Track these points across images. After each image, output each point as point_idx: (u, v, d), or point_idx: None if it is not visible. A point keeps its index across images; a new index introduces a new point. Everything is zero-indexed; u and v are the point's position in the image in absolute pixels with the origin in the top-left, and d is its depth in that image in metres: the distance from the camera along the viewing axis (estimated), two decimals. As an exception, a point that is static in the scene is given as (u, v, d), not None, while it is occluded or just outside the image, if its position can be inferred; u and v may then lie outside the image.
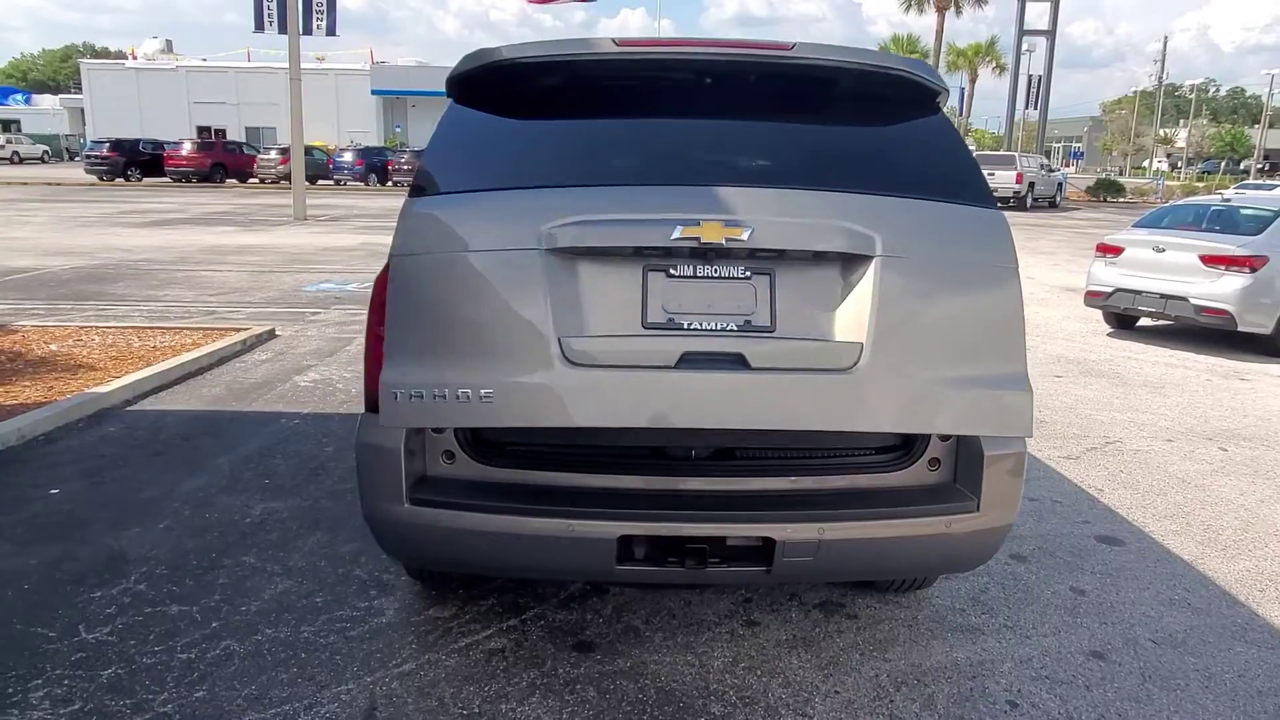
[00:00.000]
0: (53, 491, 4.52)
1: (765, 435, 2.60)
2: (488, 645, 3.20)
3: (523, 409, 2.43)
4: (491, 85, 2.79)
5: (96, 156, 36.19)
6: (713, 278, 2.45)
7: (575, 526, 2.51)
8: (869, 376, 2.45)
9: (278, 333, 8.64)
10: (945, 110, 2.91)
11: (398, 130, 53.93)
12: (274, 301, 10.43)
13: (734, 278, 2.45)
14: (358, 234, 18.53)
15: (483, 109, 2.79)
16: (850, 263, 2.49)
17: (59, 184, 34.30)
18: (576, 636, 3.27)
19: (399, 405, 2.49)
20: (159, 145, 37.25)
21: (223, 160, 36.47)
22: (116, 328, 8.50)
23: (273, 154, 36.45)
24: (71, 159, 53.06)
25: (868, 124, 2.87)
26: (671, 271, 2.45)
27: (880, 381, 2.46)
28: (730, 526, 2.54)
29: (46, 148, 54.26)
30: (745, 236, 2.41)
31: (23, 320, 8.75)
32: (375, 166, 37.30)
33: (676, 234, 2.39)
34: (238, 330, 8.39)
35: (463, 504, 2.55)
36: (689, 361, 2.41)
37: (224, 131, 50.07)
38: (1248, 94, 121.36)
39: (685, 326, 2.43)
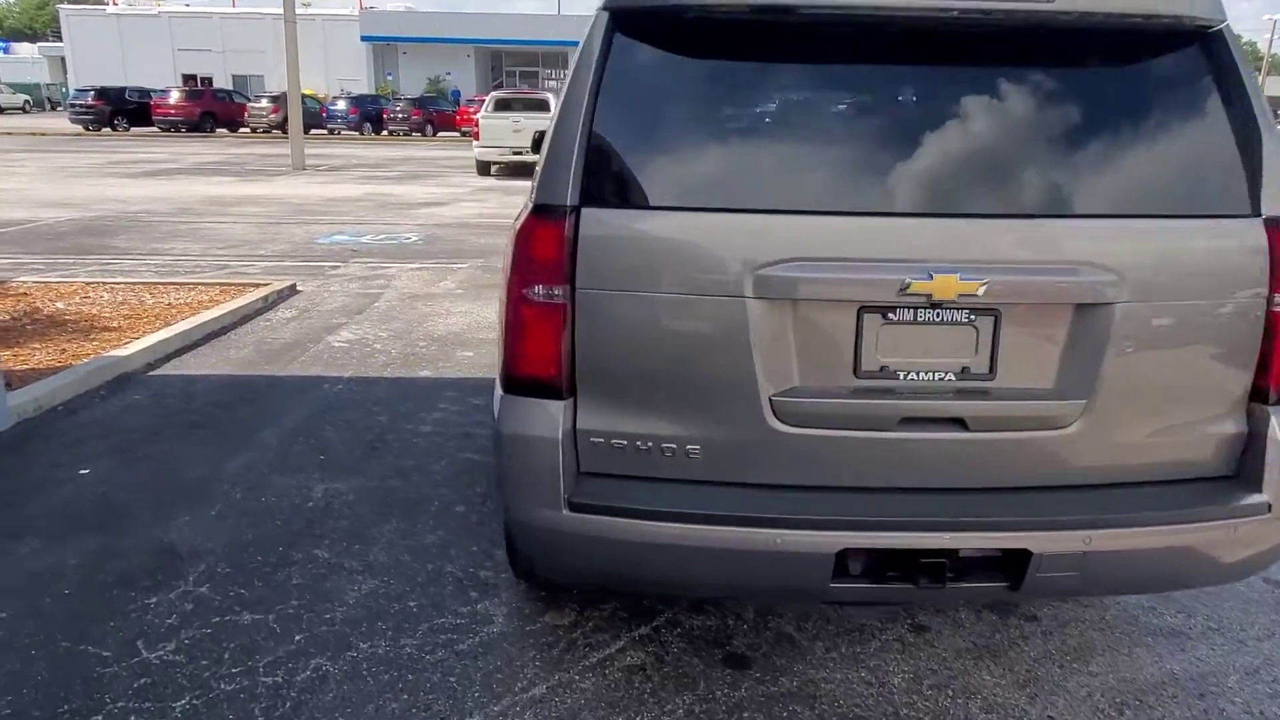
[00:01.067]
0: (82, 472, 3.99)
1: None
2: (624, 661, 2.71)
3: (731, 468, 2.14)
4: (665, 29, 2.14)
5: (81, 105, 34.98)
6: (933, 323, 2.09)
7: (784, 539, 2.03)
8: (1088, 436, 2.15)
9: (299, 288, 8.07)
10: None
11: (389, 78, 52.49)
12: (288, 255, 9.82)
13: (956, 322, 2.09)
14: (361, 184, 17.81)
15: (658, 52, 2.14)
16: (1086, 307, 2.10)
17: (43, 134, 33.18)
18: (724, 648, 2.79)
19: (598, 453, 2.14)
20: (145, 94, 36.02)
21: (212, 109, 35.32)
22: (125, 283, 7.91)
23: (264, 102, 35.27)
24: (54, 109, 51.59)
25: (1126, 104, 2.19)
26: (889, 315, 2.08)
27: (1099, 440, 2.17)
28: (978, 536, 2.06)
29: (27, 98, 52.69)
30: (980, 292, 2.03)
31: (23, 276, 8.15)
32: (370, 115, 36.20)
33: (907, 289, 2.03)
34: (257, 285, 7.81)
35: (639, 511, 2.06)
36: (905, 423, 2.11)
37: (210, 80, 48.57)
38: (1243, 40, 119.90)
39: (900, 377, 2.10)
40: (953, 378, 2.10)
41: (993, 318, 2.06)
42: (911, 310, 2.05)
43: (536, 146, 5.07)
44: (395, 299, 7.71)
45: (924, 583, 2.06)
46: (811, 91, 2.18)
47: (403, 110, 35.92)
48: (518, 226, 2.13)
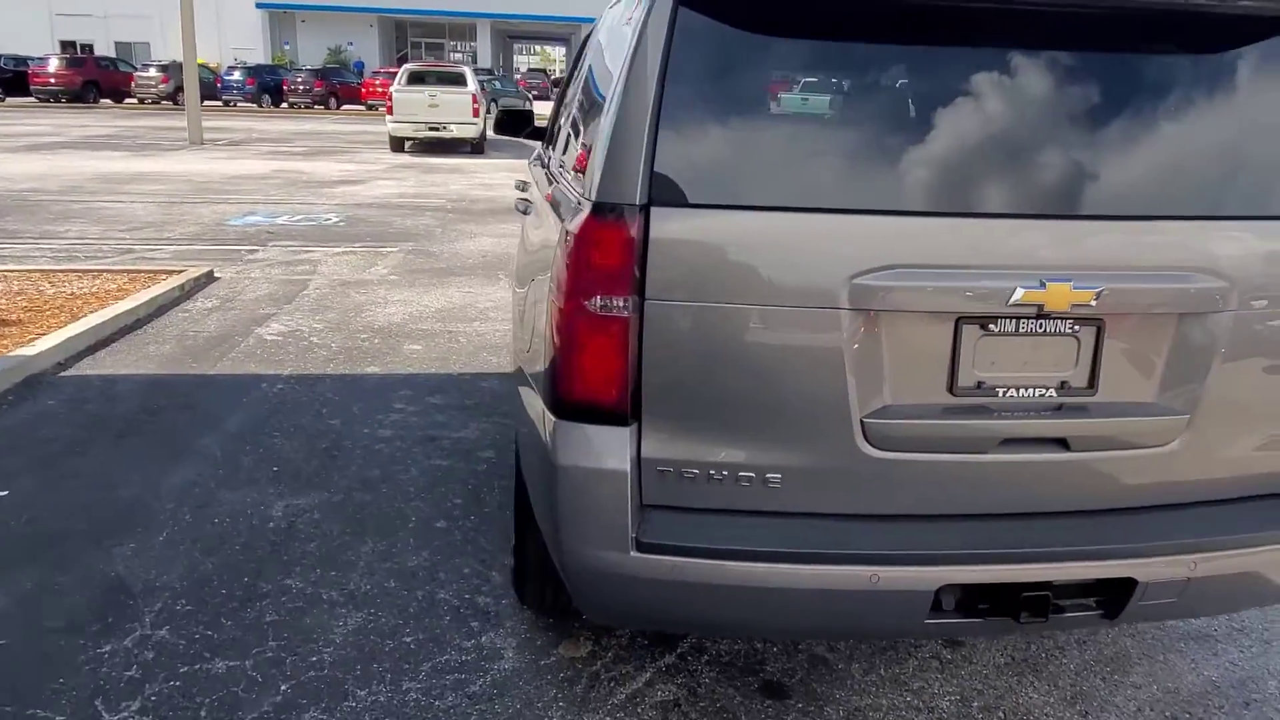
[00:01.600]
0: (1, 494, 3.52)
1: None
2: (655, 696, 2.48)
3: (815, 497, 1.94)
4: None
5: (-52, 74, 32.36)
6: (1035, 334, 1.90)
7: (881, 576, 1.83)
8: (1189, 453, 2.02)
9: (216, 275, 7.50)
10: None
11: (286, 48, 50.15)
12: (198, 238, 9.17)
13: (1059, 333, 1.91)
14: (267, 160, 16.88)
15: (732, 29, 1.84)
16: (1193, 315, 1.96)
17: (-97, 103, 30.59)
18: (758, 675, 2.59)
19: (665, 485, 1.89)
20: (21, 61, 33.54)
21: (96, 78, 33.06)
22: (19, 271, 7.22)
23: (152, 71, 33.23)
24: (-87, 75, 47.53)
25: (1239, 98, 1.99)
26: (990, 327, 1.88)
27: (1200, 457, 2.04)
28: (1085, 565, 1.91)
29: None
30: (1093, 302, 1.85)
31: (-101, 263, 7.35)
32: (268, 86, 34.52)
33: (1016, 297, 1.83)
34: (170, 273, 7.21)
35: (720, 551, 1.83)
36: (1006, 444, 1.95)
37: (91, 47, 45.51)
38: None
39: (999, 394, 1.91)
40: (1053, 394, 1.93)
41: (1095, 328, 1.89)
42: (1014, 321, 1.87)
43: (503, 126, 4.74)
44: (325, 286, 7.24)
45: (1025, 617, 1.89)
46: (911, 75, 1.95)
47: (304, 81, 34.37)
48: (572, 228, 1.85)
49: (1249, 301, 1.92)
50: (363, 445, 4.10)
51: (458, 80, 18.48)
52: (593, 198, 1.81)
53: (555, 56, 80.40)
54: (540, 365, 1.99)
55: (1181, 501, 2.05)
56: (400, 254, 8.59)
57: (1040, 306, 1.83)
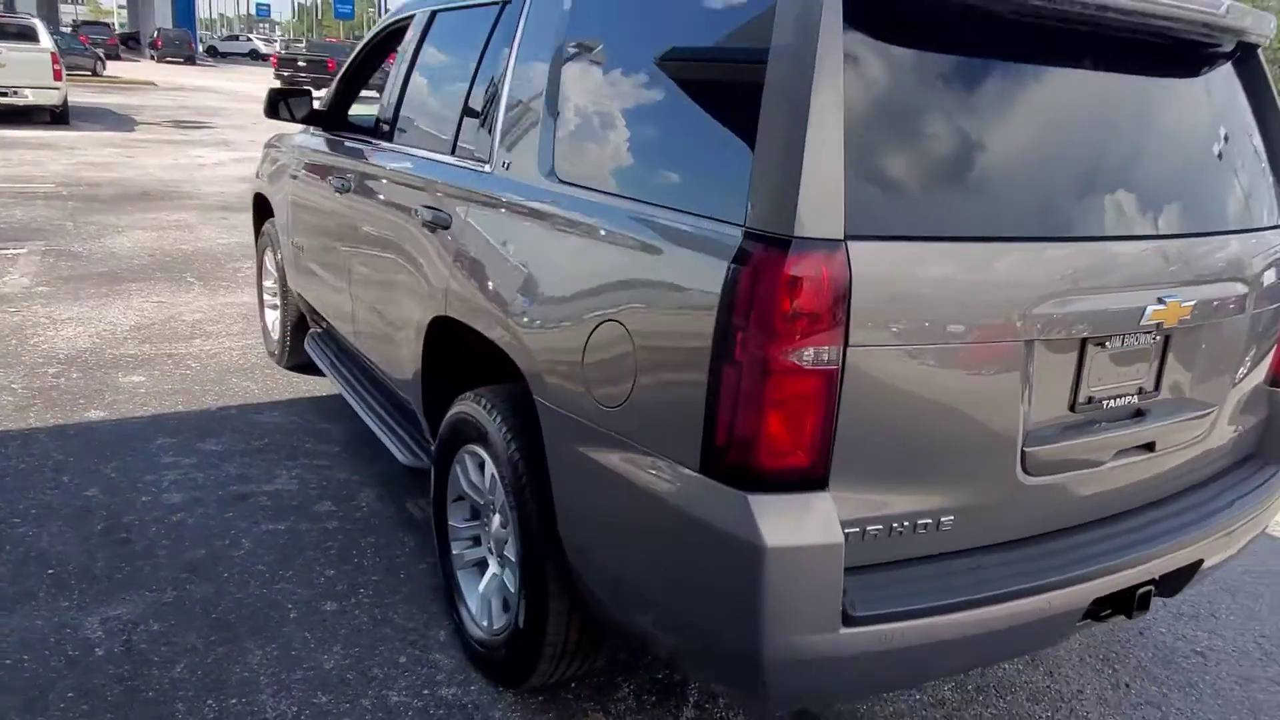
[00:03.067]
0: None
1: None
2: (706, 761, 2.26)
3: (978, 531, 1.91)
4: (905, 18, 1.71)
5: None
6: (1134, 347, 2.02)
7: (1053, 601, 1.85)
8: (1213, 439, 2.29)
9: None
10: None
11: None
12: None
13: (1145, 346, 2.05)
14: None
15: (896, 46, 1.70)
16: (1222, 320, 2.20)
17: None
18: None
19: (851, 547, 1.68)
20: None
21: None
22: None
23: None
24: None
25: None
26: (1105, 344, 1.96)
27: (1219, 441, 2.32)
28: (1181, 554, 2.07)
29: None
30: (1190, 316, 2.01)
31: None
32: None
33: (1147, 317, 1.93)
34: None
35: (929, 609, 1.71)
36: (1120, 453, 2.07)
37: None
38: None
39: (1104, 406, 2.03)
40: (1135, 400, 2.07)
41: (1165, 336, 2.06)
42: (1121, 338, 1.97)
43: (278, 109, 3.92)
44: (-51, 307, 5.61)
45: (1136, 613, 2.03)
46: (1086, 95, 1.94)
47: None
48: (754, 267, 1.54)
49: (1260, 303, 2.21)
50: (155, 519, 3.23)
51: (27, 34, 15.22)
52: (793, 232, 1.52)
53: (110, 8, 70.17)
54: (682, 425, 1.66)
55: (1207, 478, 2.32)
56: (34, 257, 6.91)
57: (1160, 324, 1.96)
